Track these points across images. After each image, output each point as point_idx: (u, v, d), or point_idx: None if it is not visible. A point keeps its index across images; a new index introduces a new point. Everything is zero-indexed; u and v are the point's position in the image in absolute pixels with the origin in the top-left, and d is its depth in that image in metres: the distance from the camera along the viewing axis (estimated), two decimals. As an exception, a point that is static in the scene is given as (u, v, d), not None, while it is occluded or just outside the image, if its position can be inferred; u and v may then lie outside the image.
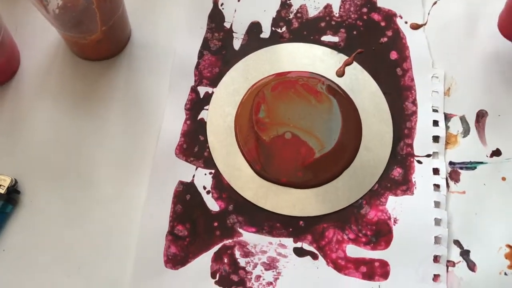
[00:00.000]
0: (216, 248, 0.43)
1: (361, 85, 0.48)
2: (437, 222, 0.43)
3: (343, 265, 0.43)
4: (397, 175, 0.45)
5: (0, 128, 0.45)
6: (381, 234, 0.43)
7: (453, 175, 0.45)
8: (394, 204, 0.44)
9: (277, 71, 0.48)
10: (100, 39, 0.44)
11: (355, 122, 0.47)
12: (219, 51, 0.49)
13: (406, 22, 0.50)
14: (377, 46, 0.49)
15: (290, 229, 0.43)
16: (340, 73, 0.49)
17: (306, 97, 0.47)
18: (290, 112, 0.47)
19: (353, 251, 0.43)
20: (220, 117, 0.47)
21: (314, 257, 0.43)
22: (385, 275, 0.42)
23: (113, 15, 0.43)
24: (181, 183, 0.44)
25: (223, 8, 0.50)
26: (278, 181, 0.45)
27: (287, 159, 0.45)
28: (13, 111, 0.46)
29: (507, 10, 0.48)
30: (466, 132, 0.46)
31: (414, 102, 0.47)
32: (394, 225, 0.43)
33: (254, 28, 0.50)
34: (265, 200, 0.44)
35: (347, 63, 0.49)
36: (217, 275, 0.42)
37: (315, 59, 0.49)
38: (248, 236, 0.43)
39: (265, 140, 0.45)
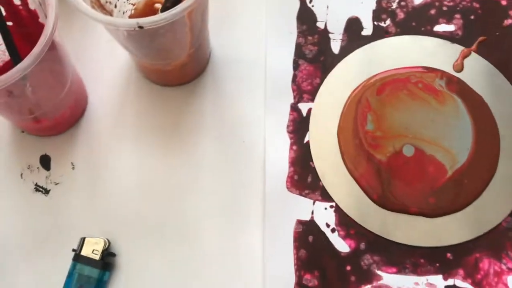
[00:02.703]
0: (355, 297, 0.36)
1: (485, 79, 0.41)
2: None
3: (507, 301, 0.36)
4: (553, 185, 0.38)
5: (78, 183, 0.38)
6: (547, 260, 0.37)
7: None
8: (557, 222, 0.37)
9: (381, 71, 0.41)
10: (185, 63, 0.37)
11: (489, 124, 0.39)
12: (317, 57, 0.41)
13: (532, -3, 0.42)
14: (501, 30, 0.41)
15: (437, 264, 0.37)
16: (458, 68, 0.41)
17: (423, 98, 0.40)
18: (406, 120, 0.39)
19: (518, 283, 0.36)
20: (324, 136, 0.40)
21: (472, 295, 0.36)
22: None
23: (201, 34, 0.36)
24: (299, 222, 0.38)
25: (313, 6, 0.42)
26: (405, 210, 0.38)
27: (412, 182, 0.38)
28: (89, 159, 0.39)
29: None
30: None
31: (556, 94, 0.40)
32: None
33: (353, 25, 0.42)
34: (398, 233, 0.37)
35: (465, 55, 0.41)
36: (359, 327, 0.36)
37: (426, 53, 0.41)
38: (389, 278, 0.36)
39: (380, 160, 0.38)
